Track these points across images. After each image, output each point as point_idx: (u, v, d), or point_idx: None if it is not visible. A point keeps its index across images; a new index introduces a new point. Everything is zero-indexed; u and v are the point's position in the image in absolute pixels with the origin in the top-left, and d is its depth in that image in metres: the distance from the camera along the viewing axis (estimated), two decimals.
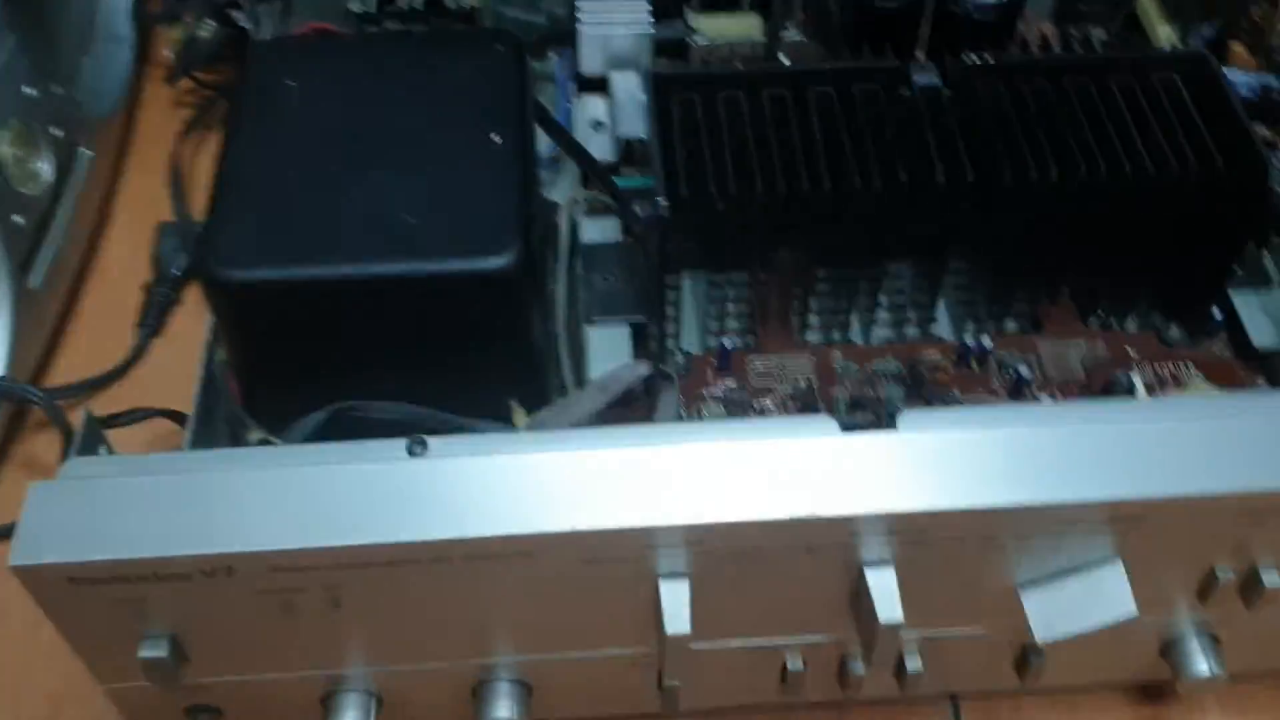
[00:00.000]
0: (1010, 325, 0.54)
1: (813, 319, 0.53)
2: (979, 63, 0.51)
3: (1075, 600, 0.40)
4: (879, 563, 0.39)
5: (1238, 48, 0.57)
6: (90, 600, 0.37)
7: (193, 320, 0.57)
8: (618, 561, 0.38)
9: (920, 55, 0.57)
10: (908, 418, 0.40)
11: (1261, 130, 0.55)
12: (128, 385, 0.55)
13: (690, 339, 0.53)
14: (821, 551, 0.39)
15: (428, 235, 0.45)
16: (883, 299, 0.53)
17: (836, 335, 0.53)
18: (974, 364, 0.52)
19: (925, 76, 0.51)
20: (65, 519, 0.36)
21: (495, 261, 0.45)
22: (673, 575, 0.38)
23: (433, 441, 0.39)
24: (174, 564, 0.36)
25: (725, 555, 0.38)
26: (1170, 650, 0.45)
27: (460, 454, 0.38)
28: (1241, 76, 0.55)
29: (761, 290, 0.53)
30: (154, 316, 0.57)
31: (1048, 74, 0.51)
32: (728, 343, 0.51)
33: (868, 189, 0.48)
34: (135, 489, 0.37)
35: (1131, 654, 0.45)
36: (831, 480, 0.38)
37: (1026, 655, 0.44)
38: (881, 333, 0.54)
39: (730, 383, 0.51)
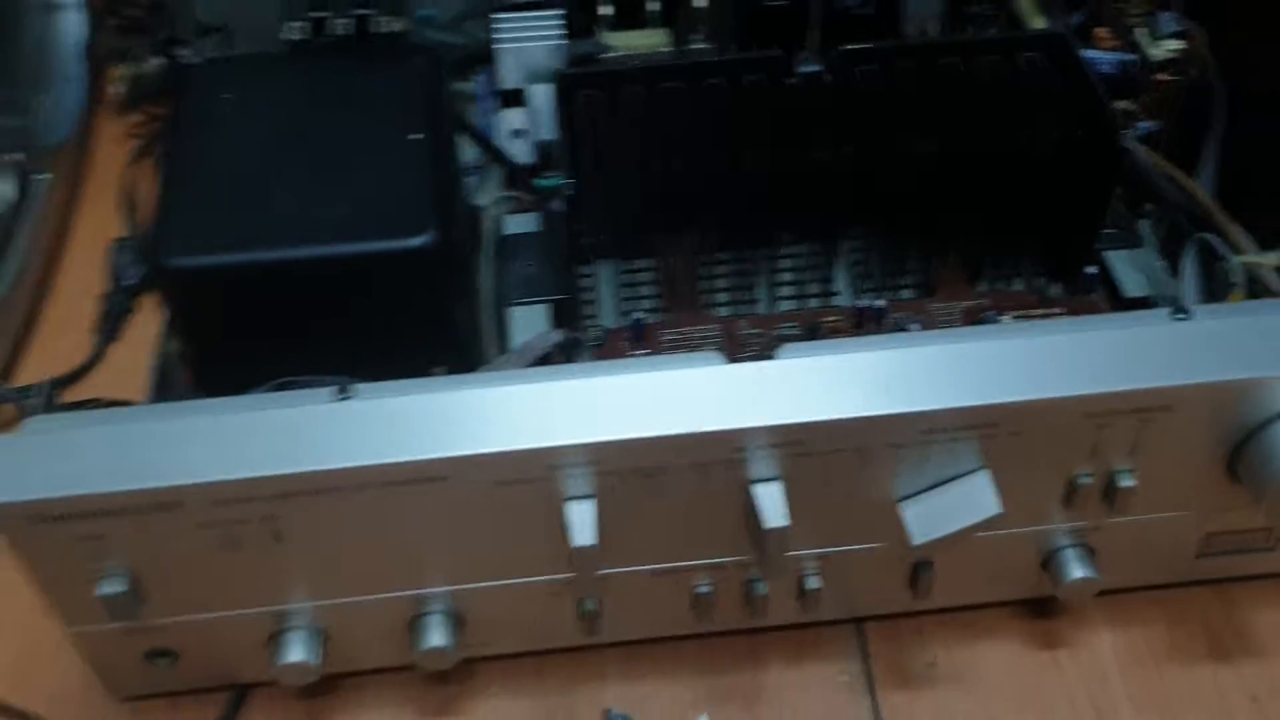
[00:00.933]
0: (906, 293, 0.58)
1: (720, 295, 0.57)
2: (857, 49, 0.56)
3: (947, 506, 0.44)
4: (766, 478, 0.43)
5: (1102, 32, 0.62)
6: (51, 539, 0.41)
7: (146, 327, 0.61)
8: (526, 483, 0.42)
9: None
10: (787, 350, 0.44)
11: (1124, 103, 0.60)
12: (86, 387, 0.59)
13: (608, 317, 0.57)
14: (711, 470, 0.43)
15: (355, 221, 0.50)
16: (785, 274, 0.57)
17: (744, 309, 0.57)
18: (870, 325, 0.56)
19: (808, 65, 0.56)
20: (25, 466, 0.40)
21: (415, 241, 0.50)
22: (578, 496, 0.42)
23: (359, 387, 0.43)
24: (125, 498, 0.40)
25: (625, 476, 0.42)
26: (1049, 562, 0.49)
27: (383, 396, 0.43)
28: (1105, 55, 0.60)
29: (669, 271, 0.57)
30: (110, 323, 0.61)
31: (921, 56, 0.56)
32: (639, 316, 0.55)
33: (756, 168, 0.52)
34: (88, 438, 0.41)
35: (1016, 569, 0.49)
36: (715, 401, 0.42)
37: (918, 571, 0.48)
38: (786, 305, 0.58)
39: (642, 351, 0.55)
